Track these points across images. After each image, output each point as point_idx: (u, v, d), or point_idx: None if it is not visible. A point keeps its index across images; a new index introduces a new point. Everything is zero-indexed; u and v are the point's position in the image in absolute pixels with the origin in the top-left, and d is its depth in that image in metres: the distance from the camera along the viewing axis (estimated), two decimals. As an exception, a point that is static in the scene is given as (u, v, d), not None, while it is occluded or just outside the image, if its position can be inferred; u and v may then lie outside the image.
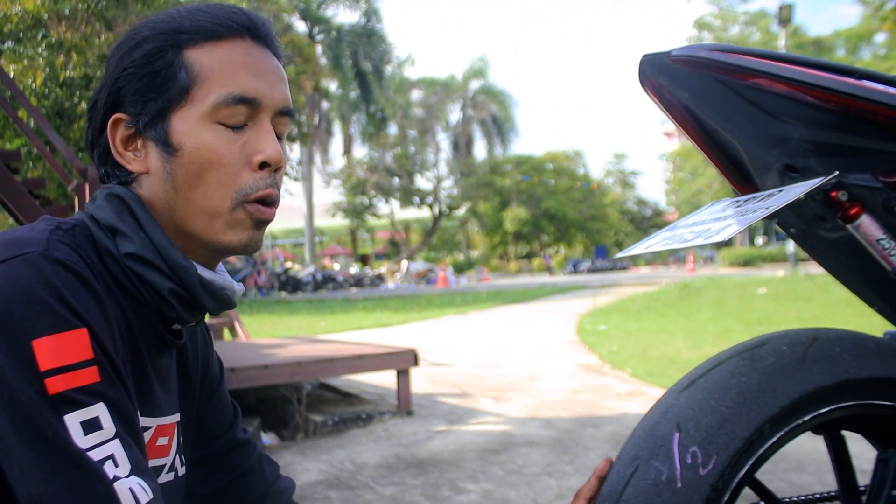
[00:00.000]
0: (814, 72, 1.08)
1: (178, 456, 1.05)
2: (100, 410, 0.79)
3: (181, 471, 1.07)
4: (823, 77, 1.07)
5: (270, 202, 0.96)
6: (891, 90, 1.08)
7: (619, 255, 1.29)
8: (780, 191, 1.15)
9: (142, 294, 0.93)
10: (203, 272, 0.96)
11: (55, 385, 0.76)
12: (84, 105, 12.65)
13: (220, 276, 1.00)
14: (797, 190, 1.08)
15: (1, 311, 0.77)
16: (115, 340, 0.85)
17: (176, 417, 1.05)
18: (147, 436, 0.97)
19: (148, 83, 0.93)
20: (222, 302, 0.99)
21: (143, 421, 0.96)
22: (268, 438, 4.55)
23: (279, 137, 0.98)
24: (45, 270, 0.80)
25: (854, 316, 8.62)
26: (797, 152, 1.18)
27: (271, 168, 0.95)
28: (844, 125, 1.13)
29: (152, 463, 0.99)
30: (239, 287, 1.03)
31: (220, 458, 1.20)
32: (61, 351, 0.78)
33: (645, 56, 1.19)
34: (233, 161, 0.93)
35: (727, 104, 1.17)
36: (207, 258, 0.98)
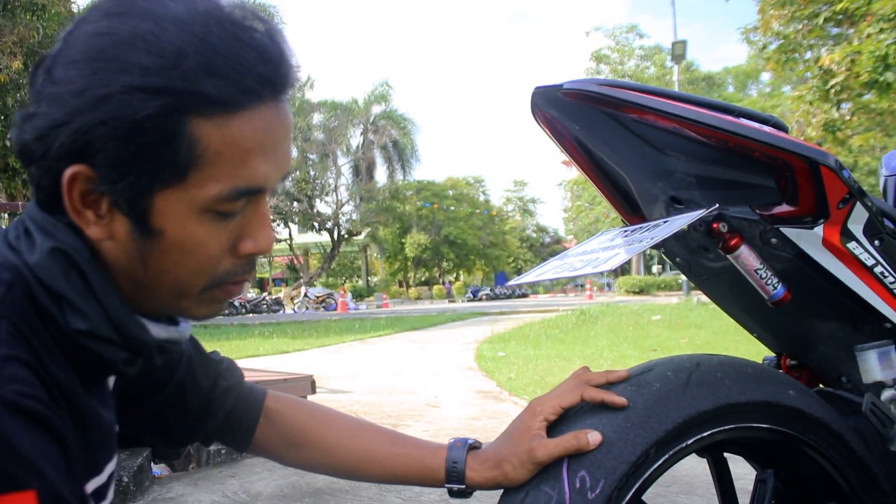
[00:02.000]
0: (696, 109, 1.13)
1: None
2: None
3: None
4: (705, 114, 1.13)
5: (244, 281, 0.87)
6: (765, 128, 1.15)
7: (512, 282, 1.32)
8: (665, 221, 1.20)
9: (89, 361, 0.82)
10: (160, 333, 0.86)
11: None
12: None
13: (174, 329, 0.90)
14: (680, 221, 1.14)
15: None
16: (73, 472, 0.74)
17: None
18: (114, 475, 0.92)
19: (135, 153, 0.74)
20: (171, 353, 0.91)
21: (111, 465, 0.91)
22: (158, 469, 4.41)
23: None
24: None
25: (742, 342, 8.98)
26: (681, 185, 1.24)
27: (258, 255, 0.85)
28: (724, 160, 1.19)
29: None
30: (186, 328, 0.93)
31: (137, 388, 1.07)
32: None
33: (537, 88, 1.23)
34: (218, 252, 0.81)
35: (616, 137, 1.23)
36: (165, 315, 0.89)
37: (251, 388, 1.21)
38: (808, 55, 13.81)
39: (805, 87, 13.38)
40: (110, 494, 0.92)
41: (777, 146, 1.11)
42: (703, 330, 12.13)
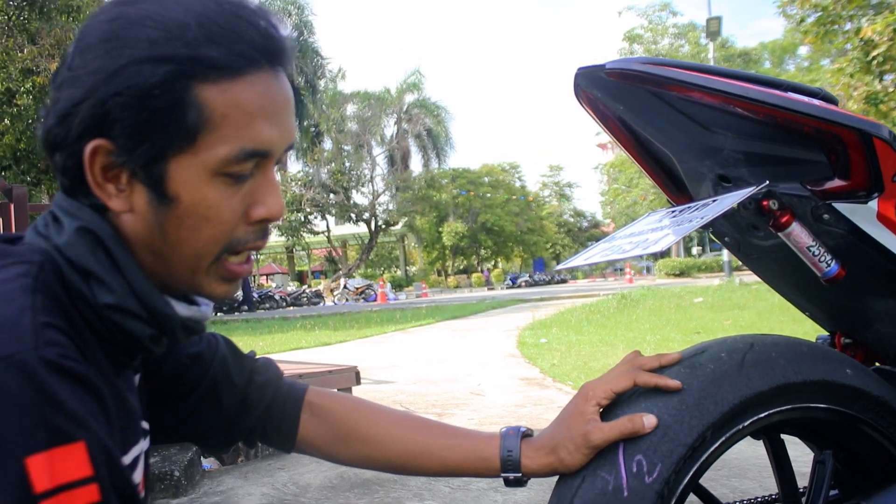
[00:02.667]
0: (743, 84, 1.11)
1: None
2: None
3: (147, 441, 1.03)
4: (752, 89, 1.10)
5: (256, 250, 0.91)
6: (814, 101, 1.12)
7: (559, 267, 1.31)
8: (713, 200, 1.18)
9: (116, 338, 0.85)
10: (183, 311, 0.89)
11: None
12: (7, 121, 12.33)
13: (195, 309, 0.93)
14: (730, 200, 1.12)
15: None
16: (112, 427, 0.77)
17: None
18: (141, 458, 0.95)
19: (146, 118, 0.79)
20: (194, 333, 0.94)
21: (137, 448, 0.92)
22: (208, 463, 4.48)
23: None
24: (38, 377, 0.70)
25: (787, 322, 8.87)
26: (729, 162, 1.22)
27: (267, 222, 0.88)
28: (773, 136, 1.17)
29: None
30: (208, 310, 0.96)
31: (173, 387, 1.12)
32: (58, 468, 0.69)
33: (580, 69, 1.22)
34: (231, 217, 0.85)
35: (661, 116, 1.21)
36: (184, 295, 0.92)
37: (291, 383, 1.22)
38: (848, 26, 13.50)
39: (845, 60, 13.10)
40: (137, 478, 0.93)
41: (828, 119, 1.09)
42: (746, 311, 11.99)
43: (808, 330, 1.50)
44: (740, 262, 1.42)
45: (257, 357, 1.23)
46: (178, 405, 1.13)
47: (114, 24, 0.81)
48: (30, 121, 12.71)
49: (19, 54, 12.45)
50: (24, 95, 12.41)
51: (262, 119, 0.83)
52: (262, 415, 1.18)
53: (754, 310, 11.94)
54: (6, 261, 0.80)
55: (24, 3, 13.04)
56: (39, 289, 0.77)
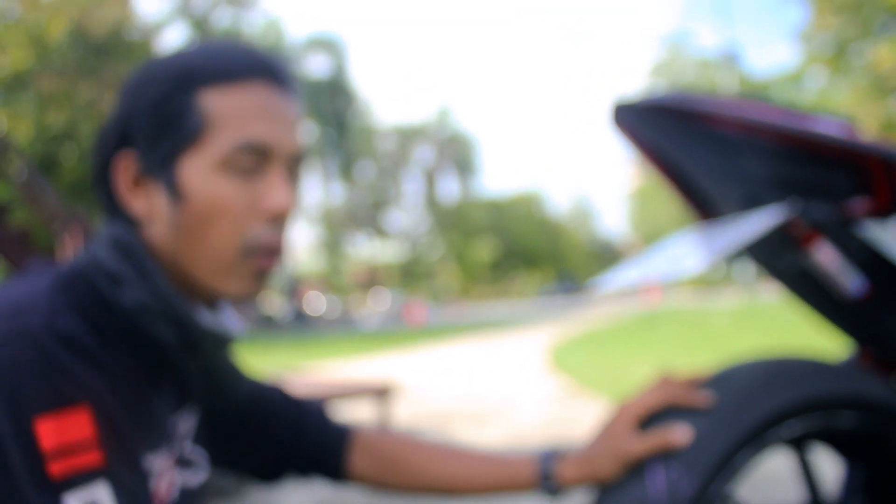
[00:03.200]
0: (771, 114, 1.12)
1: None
2: (102, 491, 0.74)
3: (201, 475, 1.06)
4: (780, 119, 1.11)
5: (275, 252, 0.92)
6: (838, 131, 1.13)
7: (594, 288, 1.32)
8: (744, 222, 1.18)
9: (142, 344, 0.88)
10: (208, 320, 0.91)
11: (57, 465, 0.72)
12: (69, 152, 12.61)
13: (222, 319, 0.96)
14: (760, 221, 1.12)
15: (4, 388, 0.73)
16: (120, 407, 0.80)
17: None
18: (164, 472, 0.95)
19: (158, 124, 0.86)
20: (222, 345, 0.96)
21: (160, 458, 0.94)
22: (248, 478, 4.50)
23: (292, 184, 0.94)
24: (48, 346, 0.75)
25: (814, 337, 8.74)
26: (758, 185, 1.22)
27: (281, 219, 0.90)
28: (800, 160, 1.17)
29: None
30: (239, 325, 0.99)
31: (230, 423, 1.15)
32: (63, 430, 0.73)
33: (616, 103, 1.24)
34: (241, 211, 0.87)
35: (693, 144, 1.22)
36: (207, 303, 0.94)
37: (339, 423, 1.25)
38: (862, 53, 13.39)
39: (860, 85, 12.96)
40: (152, 486, 0.93)
41: (855, 148, 1.09)
42: (772, 326, 11.82)
43: (833, 345, 1.49)
44: (765, 277, 1.41)
45: (301, 396, 1.27)
46: (235, 441, 1.17)
47: (142, 67, 0.92)
48: (89, 151, 13.00)
49: (81, 90, 12.75)
50: (86, 127, 12.70)
51: (259, 118, 0.87)
52: (314, 451, 1.21)
53: (780, 324, 11.77)
54: (42, 274, 0.86)
55: (86, 46, 13.37)
56: (64, 288, 0.83)
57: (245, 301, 0.94)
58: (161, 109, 0.87)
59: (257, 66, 0.89)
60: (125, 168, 0.89)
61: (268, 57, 0.92)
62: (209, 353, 0.95)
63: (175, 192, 0.87)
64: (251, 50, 0.91)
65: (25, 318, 0.77)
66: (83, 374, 0.76)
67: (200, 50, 0.90)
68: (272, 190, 0.89)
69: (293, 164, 0.93)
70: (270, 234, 0.90)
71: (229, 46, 0.92)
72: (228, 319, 0.98)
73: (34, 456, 0.72)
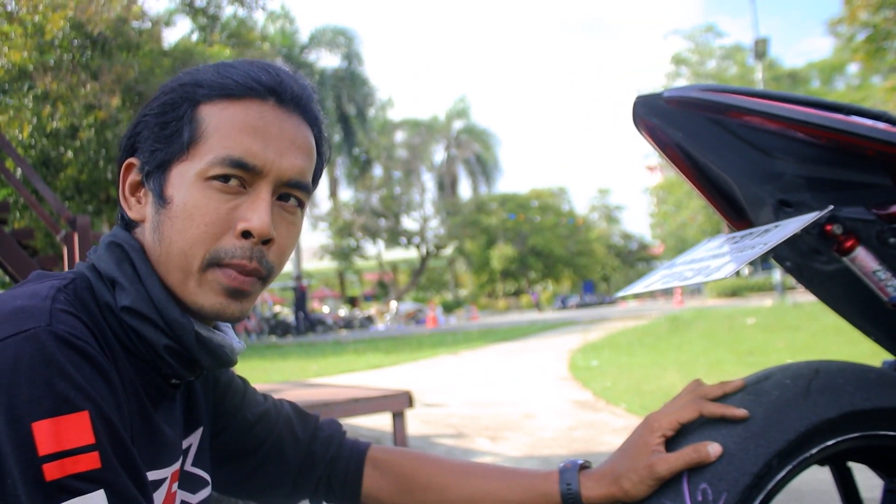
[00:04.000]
0: (804, 109, 1.09)
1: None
2: (98, 498, 0.75)
3: (209, 489, 1.08)
4: (814, 114, 1.08)
5: (246, 272, 0.91)
6: (879, 125, 1.10)
7: (620, 294, 1.30)
8: (776, 226, 1.16)
9: (139, 349, 0.91)
10: (200, 329, 0.92)
11: (53, 471, 0.73)
12: (70, 154, 12.69)
13: (218, 333, 0.96)
14: (794, 225, 1.10)
15: (3, 391, 0.74)
16: (121, 412, 0.82)
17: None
18: (164, 487, 0.97)
19: (158, 133, 0.92)
20: (220, 360, 0.96)
21: (160, 473, 0.95)
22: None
23: (288, 210, 0.95)
24: (48, 349, 0.77)
25: (843, 344, 8.65)
26: (790, 187, 1.20)
27: (255, 240, 0.90)
28: (836, 160, 1.14)
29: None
30: (239, 345, 1.00)
31: (240, 444, 1.18)
32: (61, 435, 0.74)
33: (638, 97, 1.21)
34: (216, 222, 0.89)
35: (720, 142, 1.19)
36: (198, 318, 0.94)
37: (353, 440, 1.25)
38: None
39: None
40: (159, 499, 0.96)
41: (894, 143, 1.06)
42: (800, 332, 11.72)
43: (864, 351, 1.46)
44: (792, 283, 1.39)
45: (318, 415, 1.27)
46: (245, 461, 1.18)
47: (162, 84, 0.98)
48: (91, 153, 13.05)
49: (82, 91, 12.81)
50: (87, 129, 12.76)
51: (250, 135, 0.90)
52: (327, 469, 1.21)
53: (808, 331, 11.67)
54: (45, 278, 0.90)
55: (87, 42, 13.42)
56: (65, 291, 0.86)
57: (225, 320, 0.95)
58: (162, 120, 0.93)
59: (265, 86, 0.92)
60: (129, 174, 0.96)
61: (280, 77, 0.94)
62: (207, 365, 0.96)
63: (161, 198, 0.92)
64: (266, 69, 0.94)
65: (28, 320, 0.79)
66: (84, 379, 0.77)
67: (216, 66, 0.95)
68: (250, 209, 0.90)
69: (291, 190, 0.94)
70: (240, 253, 0.90)
71: (245, 64, 0.95)
72: (224, 336, 0.98)
73: (31, 460, 0.73)
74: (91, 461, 0.75)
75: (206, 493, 1.08)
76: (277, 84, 0.93)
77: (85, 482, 0.74)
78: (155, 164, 0.92)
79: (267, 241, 0.92)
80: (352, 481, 1.21)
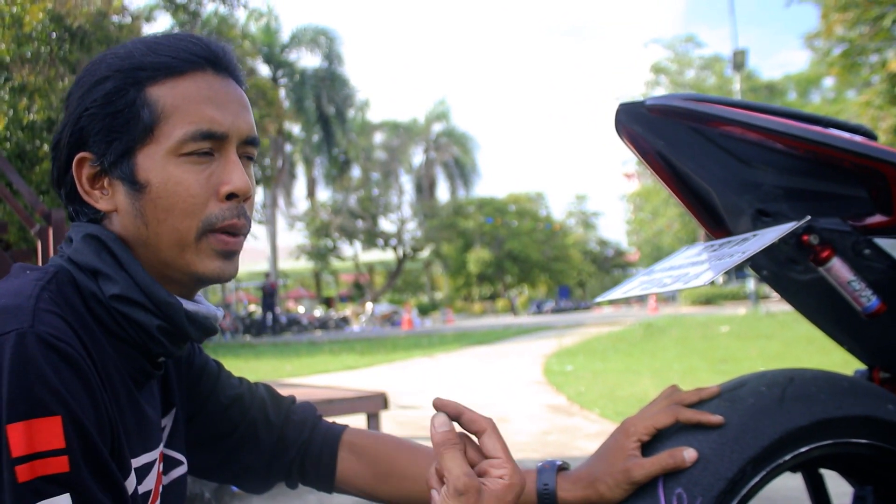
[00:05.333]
0: (784, 120, 1.11)
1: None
2: (63, 501, 0.76)
3: (183, 468, 1.09)
4: (793, 126, 1.10)
5: (235, 232, 0.96)
6: (856, 138, 1.12)
7: (599, 299, 1.31)
8: (754, 235, 1.18)
9: (128, 334, 0.92)
10: (187, 305, 0.95)
11: (24, 473, 0.74)
12: (46, 148, 12.55)
13: (202, 305, 0.99)
14: (772, 235, 1.11)
15: None
16: (99, 415, 0.82)
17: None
18: (154, 469, 0.99)
19: (111, 123, 0.93)
20: (206, 331, 0.99)
21: (150, 456, 0.97)
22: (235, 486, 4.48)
23: (246, 165, 0.99)
24: (28, 352, 0.77)
25: (815, 353, 8.76)
26: (769, 197, 1.22)
27: (239, 199, 0.95)
28: (813, 171, 1.16)
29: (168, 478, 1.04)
30: (220, 312, 1.02)
31: (214, 427, 1.18)
32: (34, 438, 0.75)
33: (621, 105, 1.22)
34: (200, 192, 0.93)
35: (700, 151, 1.21)
36: (185, 289, 0.97)
37: (328, 423, 1.25)
38: (875, 59, 13.43)
39: (872, 92, 13.02)
40: (149, 484, 0.98)
41: (870, 156, 1.08)
42: (773, 341, 11.84)
43: (835, 361, 1.48)
44: (766, 292, 1.41)
45: (293, 398, 1.28)
46: (219, 445, 1.19)
47: (86, 69, 0.97)
48: (69, 147, 12.92)
49: (60, 84, 12.68)
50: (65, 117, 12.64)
51: (209, 106, 0.94)
52: (299, 453, 1.21)
53: (780, 340, 11.79)
54: (26, 272, 0.91)
55: (66, 35, 13.30)
56: (49, 288, 0.86)
57: (224, 282, 0.98)
58: (111, 110, 0.93)
59: (200, 57, 0.96)
60: (83, 168, 0.95)
61: (210, 46, 0.98)
62: (196, 338, 0.99)
63: (136, 184, 0.93)
64: (193, 41, 0.97)
65: (11, 321, 0.79)
66: (62, 382, 0.78)
67: (142, 45, 0.96)
68: (227, 173, 0.94)
69: (247, 147, 0.98)
70: (229, 214, 0.95)
71: (171, 39, 0.97)
72: (206, 306, 1.00)
73: (4, 460, 0.74)
74: (60, 465, 0.76)
75: (177, 472, 1.09)
76: (210, 53, 0.97)
77: (52, 485, 0.76)
78: (118, 154, 0.93)
79: (247, 198, 0.96)
80: (325, 466, 1.21)
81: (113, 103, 0.92)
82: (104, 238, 0.93)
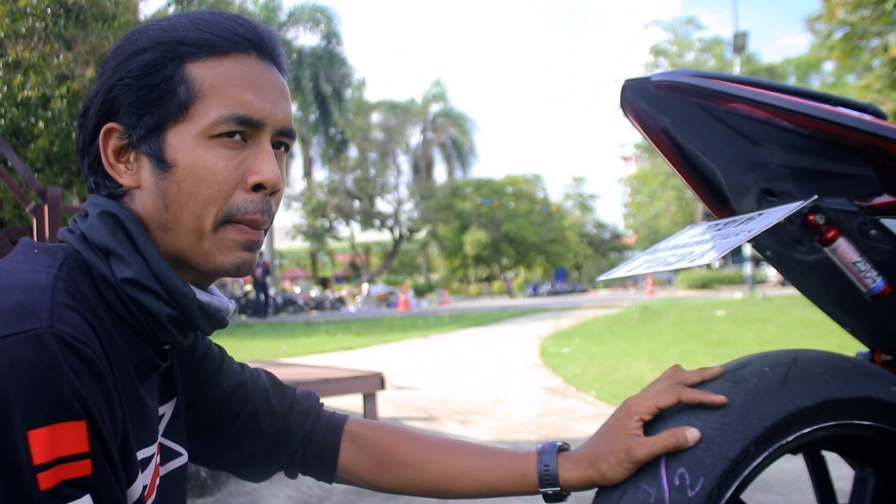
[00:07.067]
0: (792, 98, 1.10)
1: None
2: (84, 502, 0.75)
3: (183, 459, 1.08)
4: (801, 103, 1.09)
5: (257, 226, 0.92)
6: (864, 116, 1.11)
7: (602, 277, 1.30)
8: (759, 214, 1.17)
9: (137, 320, 0.90)
10: (201, 296, 0.93)
11: (46, 480, 0.72)
12: (41, 125, 12.49)
13: (216, 297, 0.96)
14: (777, 214, 1.10)
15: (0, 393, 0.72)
16: (113, 415, 0.80)
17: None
18: (152, 463, 0.97)
19: (145, 96, 0.89)
20: (217, 323, 0.97)
21: (149, 450, 0.95)
22: (233, 474, 4.48)
23: (279, 157, 0.95)
24: (48, 353, 0.74)
25: (811, 337, 8.78)
26: (775, 176, 1.21)
27: (266, 191, 0.92)
28: (821, 150, 1.15)
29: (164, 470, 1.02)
30: (232, 304, 1.00)
31: (215, 415, 1.17)
32: (57, 443, 0.73)
33: (627, 81, 1.21)
34: (227, 179, 0.89)
35: (706, 128, 1.19)
36: (199, 278, 0.95)
37: (331, 413, 1.25)
38: (876, 43, 13.38)
39: (873, 76, 12.99)
40: (146, 479, 0.95)
41: (879, 135, 1.07)
42: (769, 325, 11.86)
43: (832, 345, 1.48)
44: (762, 276, 1.40)
45: (295, 388, 1.27)
46: (221, 432, 1.18)
47: (126, 37, 0.94)
48: (63, 125, 12.83)
49: (55, 60, 12.59)
50: (59, 100, 12.55)
51: (248, 90, 0.90)
52: (303, 443, 1.21)
53: (777, 324, 11.81)
54: (35, 251, 0.87)
55: (62, 11, 13.19)
56: (62, 276, 0.83)
57: (241, 275, 0.95)
58: (147, 82, 0.89)
59: (246, 39, 0.92)
60: (110, 140, 0.92)
61: (256, 29, 0.94)
62: (205, 330, 0.96)
63: (163, 162, 0.89)
64: (240, 21, 0.94)
65: (29, 318, 0.76)
66: (83, 385, 0.76)
67: (186, 20, 0.92)
68: (258, 162, 0.91)
69: (282, 137, 0.95)
70: (253, 206, 0.91)
71: (217, 17, 0.93)
72: (220, 298, 0.98)
73: (25, 470, 0.72)
74: (83, 468, 0.75)
75: (175, 463, 1.07)
76: (256, 37, 0.94)
77: (74, 487, 0.74)
78: (148, 129, 0.90)
79: (275, 192, 0.94)
80: (328, 456, 1.20)
81: (149, 76, 0.89)
82: (121, 217, 0.90)
